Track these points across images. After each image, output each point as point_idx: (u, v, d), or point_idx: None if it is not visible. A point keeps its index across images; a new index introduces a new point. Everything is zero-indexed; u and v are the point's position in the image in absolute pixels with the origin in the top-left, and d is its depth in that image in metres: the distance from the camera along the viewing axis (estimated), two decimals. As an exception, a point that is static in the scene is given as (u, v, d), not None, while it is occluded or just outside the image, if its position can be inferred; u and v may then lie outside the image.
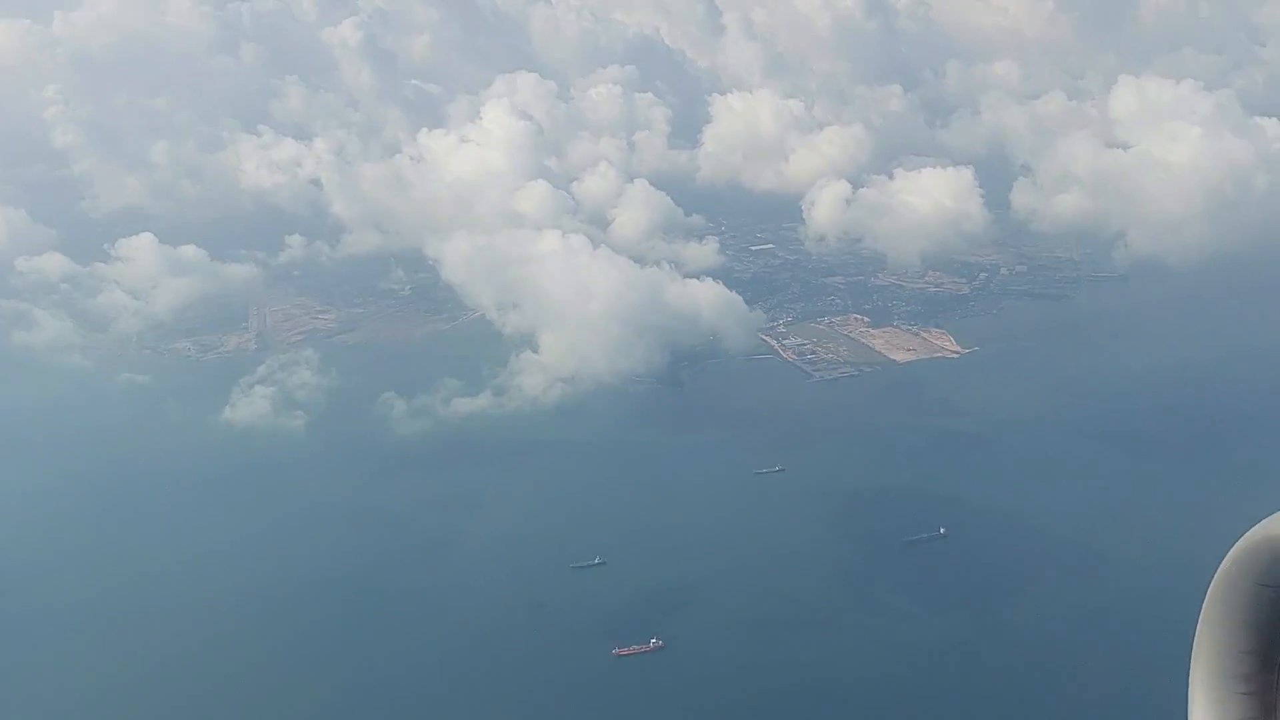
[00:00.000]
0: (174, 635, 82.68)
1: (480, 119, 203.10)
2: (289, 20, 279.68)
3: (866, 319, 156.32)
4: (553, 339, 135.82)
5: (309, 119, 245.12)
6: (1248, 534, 5.48)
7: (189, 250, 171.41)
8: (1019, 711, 74.46)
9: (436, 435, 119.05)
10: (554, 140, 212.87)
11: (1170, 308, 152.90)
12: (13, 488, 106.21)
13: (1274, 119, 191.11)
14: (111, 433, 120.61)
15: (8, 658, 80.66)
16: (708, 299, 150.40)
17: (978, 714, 74.15)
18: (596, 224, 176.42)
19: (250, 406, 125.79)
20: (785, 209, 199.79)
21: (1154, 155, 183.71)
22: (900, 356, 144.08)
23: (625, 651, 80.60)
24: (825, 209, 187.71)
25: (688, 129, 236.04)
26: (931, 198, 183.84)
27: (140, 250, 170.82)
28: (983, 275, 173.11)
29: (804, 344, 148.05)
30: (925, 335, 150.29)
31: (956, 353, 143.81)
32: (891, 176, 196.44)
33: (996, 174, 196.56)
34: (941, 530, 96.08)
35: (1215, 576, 5.75)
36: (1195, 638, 5.97)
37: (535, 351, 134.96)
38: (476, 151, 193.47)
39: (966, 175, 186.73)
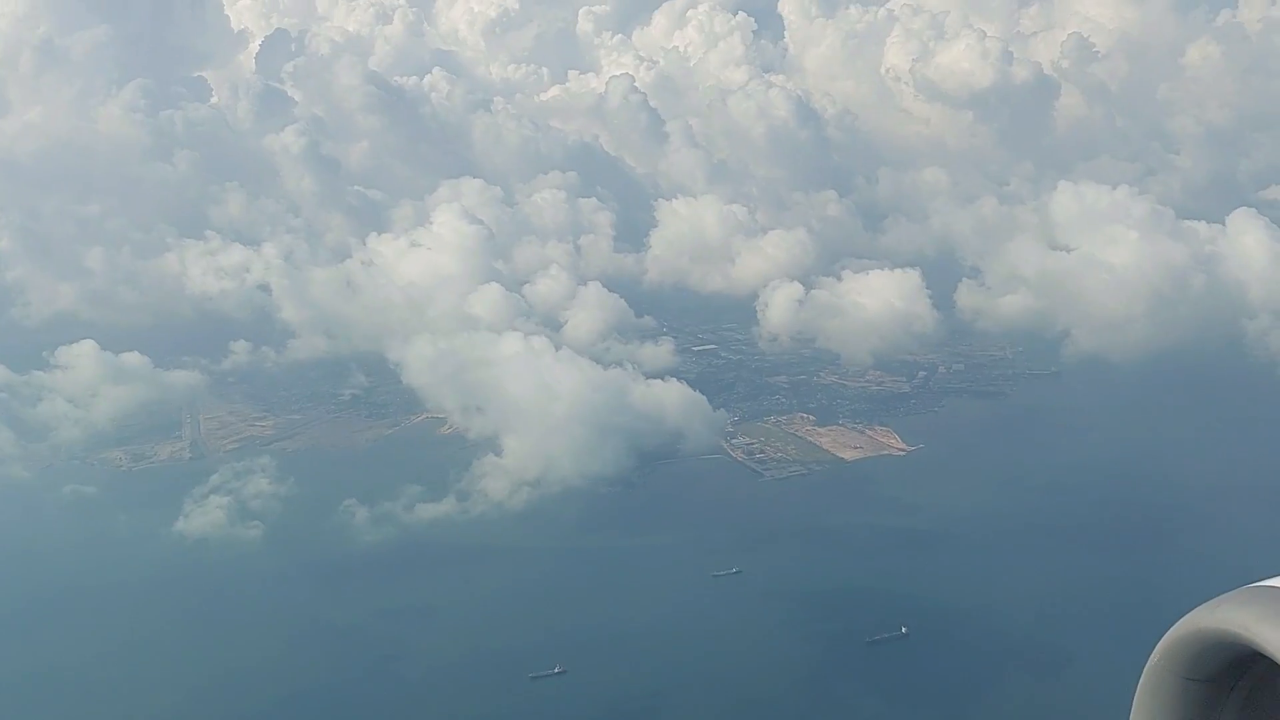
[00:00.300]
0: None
1: (430, 223, 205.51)
2: (224, 128, 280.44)
3: (813, 417, 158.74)
4: (516, 442, 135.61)
5: (249, 225, 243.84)
6: (1174, 627, 5.45)
7: (132, 357, 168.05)
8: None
9: (400, 542, 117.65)
10: (502, 244, 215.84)
11: (1105, 403, 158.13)
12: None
13: (1201, 222, 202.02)
14: (64, 547, 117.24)
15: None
16: (672, 399, 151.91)
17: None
18: (550, 326, 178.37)
19: (205, 517, 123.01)
20: (731, 310, 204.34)
21: (1095, 257, 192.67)
22: (848, 454, 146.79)
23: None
24: (779, 310, 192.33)
25: (632, 233, 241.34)
26: (880, 298, 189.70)
27: (81, 358, 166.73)
28: (922, 374, 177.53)
29: (752, 443, 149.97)
30: (871, 433, 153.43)
31: (903, 450, 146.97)
32: (839, 278, 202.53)
33: (943, 276, 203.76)
34: (903, 629, 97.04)
35: (1144, 672, 5.67)
36: None
37: (498, 455, 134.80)
38: (427, 255, 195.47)
39: (914, 276, 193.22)
